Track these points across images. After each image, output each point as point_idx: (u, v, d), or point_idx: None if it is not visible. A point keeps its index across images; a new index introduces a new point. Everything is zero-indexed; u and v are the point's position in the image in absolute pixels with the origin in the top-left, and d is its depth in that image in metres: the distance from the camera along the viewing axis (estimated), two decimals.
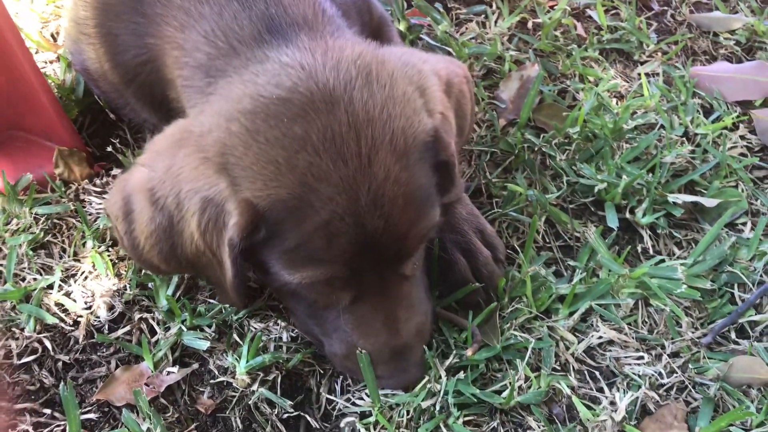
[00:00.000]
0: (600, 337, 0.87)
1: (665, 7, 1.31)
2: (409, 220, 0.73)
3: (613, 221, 0.97)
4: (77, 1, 0.93)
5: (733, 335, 0.89)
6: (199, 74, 0.79)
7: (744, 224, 1.01)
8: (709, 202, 1.01)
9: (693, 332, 0.89)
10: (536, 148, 1.07)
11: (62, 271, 0.89)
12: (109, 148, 1.01)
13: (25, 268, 0.89)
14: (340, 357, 0.82)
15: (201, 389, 0.82)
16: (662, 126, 1.09)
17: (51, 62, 1.15)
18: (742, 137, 1.11)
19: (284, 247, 0.72)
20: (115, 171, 1.00)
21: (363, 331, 0.79)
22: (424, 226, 0.75)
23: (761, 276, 0.94)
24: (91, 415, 0.79)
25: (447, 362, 0.83)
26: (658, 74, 1.19)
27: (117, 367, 0.83)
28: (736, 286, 0.93)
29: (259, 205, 0.69)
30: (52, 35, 1.19)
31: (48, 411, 0.80)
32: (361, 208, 0.70)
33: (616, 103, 1.13)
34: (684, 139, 1.09)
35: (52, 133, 0.98)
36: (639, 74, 1.18)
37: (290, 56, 0.73)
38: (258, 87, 0.71)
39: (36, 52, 1.15)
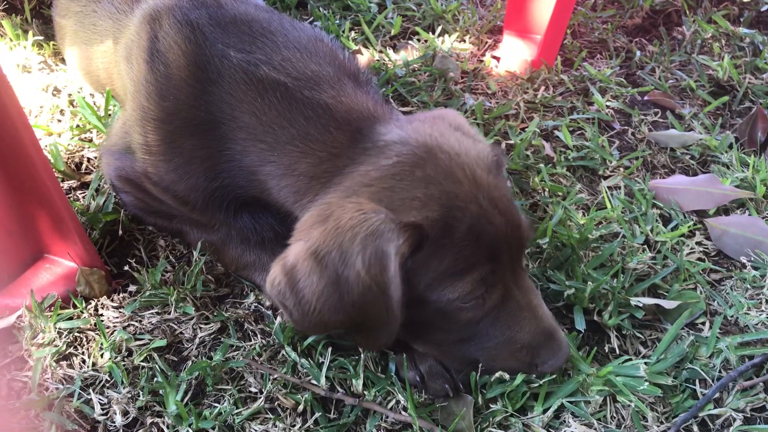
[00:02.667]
0: None
1: (626, 127, 1.44)
2: (517, 214, 0.93)
3: (580, 324, 1.07)
4: (139, 126, 1.07)
5: (695, 429, 0.97)
6: (305, 179, 0.96)
7: (703, 324, 1.10)
8: (670, 304, 1.10)
9: (658, 426, 0.96)
10: None
11: (82, 380, 0.98)
12: (126, 267, 1.12)
13: (48, 378, 0.99)
14: (503, 359, 0.96)
15: None
16: (624, 235, 1.20)
17: (75, 189, 1.29)
18: (699, 243, 1.21)
19: (443, 266, 0.87)
20: (131, 287, 1.11)
21: (518, 325, 0.94)
22: (525, 221, 0.94)
23: (720, 372, 1.02)
24: None
25: None
26: (620, 187, 1.30)
27: None
28: (696, 381, 1.01)
29: (420, 223, 0.86)
30: (77, 165, 1.33)
31: None
32: (486, 211, 0.89)
33: (583, 215, 1.25)
34: (645, 246, 1.20)
35: (75, 255, 1.09)
36: (603, 188, 1.30)
37: (385, 137, 0.93)
38: (376, 160, 0.90)
39: (62, 180, 1.29)
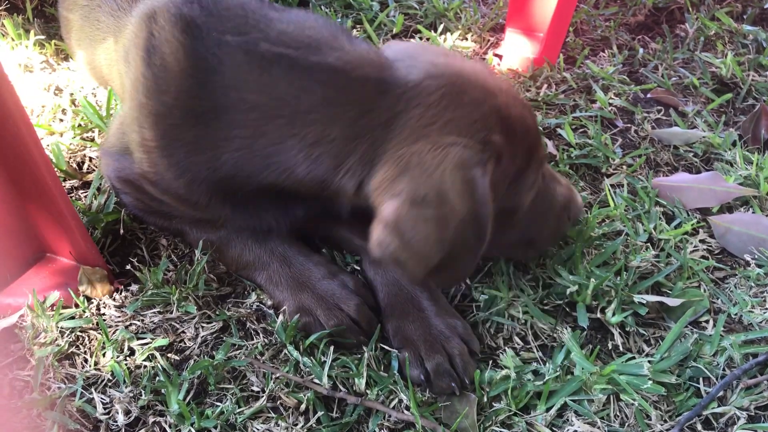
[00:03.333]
0: (575, 431, 0.95)
1: (629, 124, 1.44)
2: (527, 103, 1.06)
3: (583, 321, 1.07)
4: (135, 123, 1.05)
5: (699, 427, 0.96)
6: (343, 142, 0.94)
7: (706, 322, 1.09)
8: (673, 302, 1.10)
9: (662, 425, 0.96)
10: None
11: (84, 379, 0.98)
12: (128, 266, 1.12)
13: (50, 377, 0.99)
14: (551, 228, 1.10)
15: None
16: (627, 233, 1.20)
17: (77, 189, 1.29)
18: (702, 241, 1.21)
19: (513, 171, 0.98)
20: (133, 287, 1.11)
21: (554, 191, 1.09)
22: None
23: (724, 370, 1.02)
24: None
25: None
26: (623, 185, 1.30)
27: None
28: (700, 380, 1.01)
29: (492, 140, 0.93)
30: (79, 164, 1.33)
31: None
32: (521, 109, 0.99)
33: (586, 213, 1.24)
34: (648, 244, 1.19)
35: (77, 254, 1.09)
36: (606, 186, 1.29)
37: (410, 77, 0.95)
38: (421, 101, 0.94)
39: (64, 180, 1.29)
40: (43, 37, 1.55)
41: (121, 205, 1.20)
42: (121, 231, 1.18)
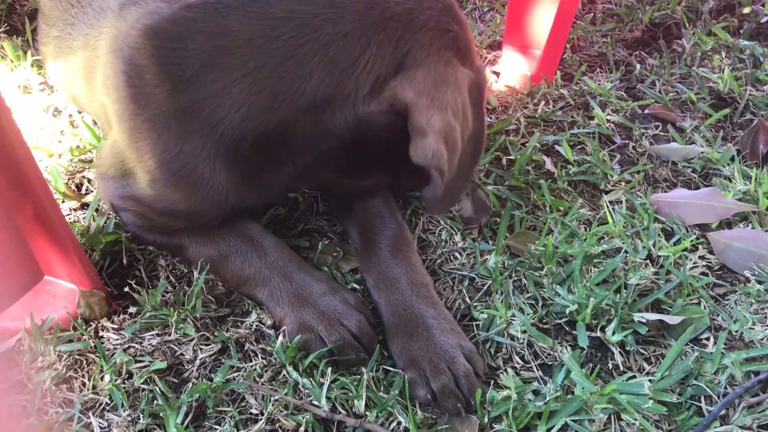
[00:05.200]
0: None
1: (627, 141, 1.44)
2: None
3: (583, 341, 1.06)
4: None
5: None
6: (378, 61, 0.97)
7: (707, 339, 1.09)
8: (673, 320, 1.09)
9: None
10: (512, 273, 1.17)
11: (82, 404, 0.98)
12: (126, 288, 1.12)
13: (48, 402, 0.98)
14: None
15: None
16: (626, 250, 1.19)
17: (75, 210, 1.29)
18: (702, 257, 1.21)
19: None
20: (132, 309, 1.10)
21: None
22: None
23: (725, 388, 1.01)
24: None
25: None
26: (621, 202, 1.30)
27: None
28: (702, 398, 1.00)
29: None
30: (77, 186, 1.33)
31: None
32: None
33: (585, 230, 1.24)
34: (648, 261, 1.19)
35: (75, 276, 1.09)
36: (604, 203, 1.29)
37: None
38: (428, 14, 1.00)
39: (62, 202, 1.29)
40: (40, 58, 1.56)
41: (120, 224, 1.20)
42: (124, 259, 1.18)
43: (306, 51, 0.96)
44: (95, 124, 1.42)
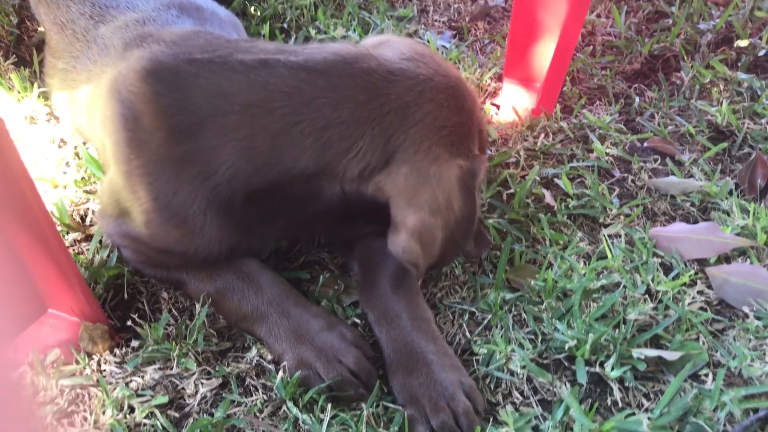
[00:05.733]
0: None
1: (626, 174, 1.45)
2: None
3: (582, 377, 1.06)
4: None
5: None
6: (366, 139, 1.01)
7: (706, 375, 1.09)
8: (672, 355, 1.10)
9: None
10: (512, 307, 1.18)
11: None
12: (129, 322, 1.13)
13: None
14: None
15: None
16: (625, 285, 1.20)
17: (79, 242, 1.30)
18: (700, 292, 1.21)
19: None
20: (134, 342, 1.11)
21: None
22: None
23: (724, 426, 1.01)
24: None
25: None
26: (620, 236, 1.31)
27: None
28: None
29: (478, 151, 1.09)
30: (82, 217, 1.34)
31: None
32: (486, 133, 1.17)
33: (584, 264, 1.25)
34: (646, 296, 1.20)
35: (78, 310, 1.10)
36: (603, 236, 1.30)
37: (396, 74, 1.03)
38: (423, 105, 1.03)
39: (67, 233, 1.30)
40: (47, 89, 1.58)
41: (122, 259, 1.21)
42: (125, 291, 1.19)
43: (301, 130, 0.99)
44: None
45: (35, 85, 1.57)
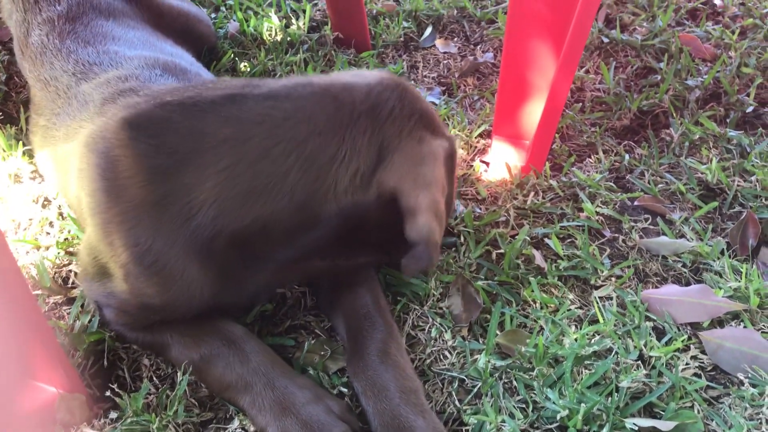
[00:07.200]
0: None
1: (616, 234, 1.44)
2: None
3: None
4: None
5: None
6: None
7: None
8: (666, 425, 1.07)
9: None
10: (502, 374, 1.15)
11: None
12: (108, 393, 1.10)
13: None
14: None
15: None
16: (617, 352, 1.17)
17: (60, 305, 1.27)
18: (694, 357, 1.19)
19: None
20: (113, 414, 1.08)
21: None
22: None
23: None
24: None
25: None
26: (612, 298, 1.29)
27: None
28: None
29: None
30: (63, 279, 1.32)
31: None
32: None
33: (575, 328, 1.23)
34: (639, 362, 1.17)
35: (56, 380, 1.07)
36: (594, 299, 1.28)
37: (369, 89, 1.09)
38: (396, 111, 1.08)
39: (48, 296, 1.27)
40: (31, 148, 1.57)
41: (104, 323, 1.18)
42: (106, 357, 1.16)
43: (281, 150, 1.01)
44: None
45: (20, 143, 1.56)
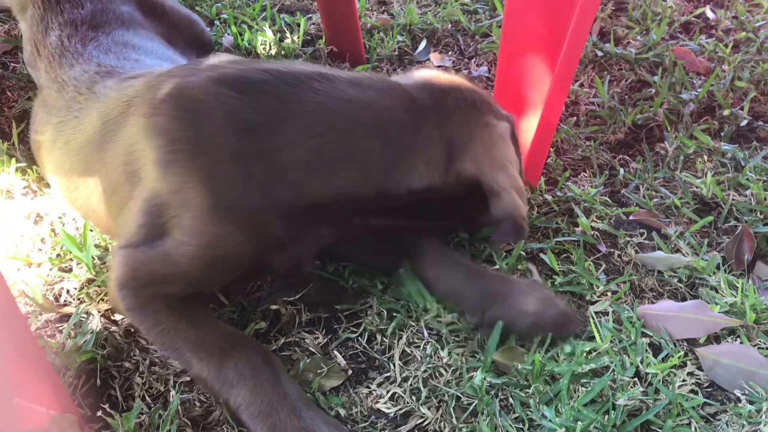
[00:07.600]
0: None
1: (612, 249, 1.43)
2: None
3: None
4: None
5: None
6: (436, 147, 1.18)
7: None
8: None
9: None
10: (498, 392, 1.14)
11: None
12: (100, 412, 1.08)
13: None
14: None
15: None
16: (614, 369, 1.17)
17: (52, 322, 1.26)
18: (690, 374, 1.18)
19: None
20: None
21: None
22: None
23: None
24: None
25: None
26: (608, 314, 1.28)
27: None
28: None
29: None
30: (55, 296, 1.31)
31: None
32: None
33: (572, 345, 1.22)
34: (636, 378, 1.16)
35: (46, 400, 1.05)
36: (590, 314, 1.27)
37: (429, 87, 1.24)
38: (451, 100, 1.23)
39: (39, 314, 1.26)
40: (24, 164, 1.56)
41: (122, 308, 1.14)
42: (98, 377, 1.15)
43: (367, 130, 1.11)
44: (77, 229, 1.40)
45: (13, 159, 1.55)
